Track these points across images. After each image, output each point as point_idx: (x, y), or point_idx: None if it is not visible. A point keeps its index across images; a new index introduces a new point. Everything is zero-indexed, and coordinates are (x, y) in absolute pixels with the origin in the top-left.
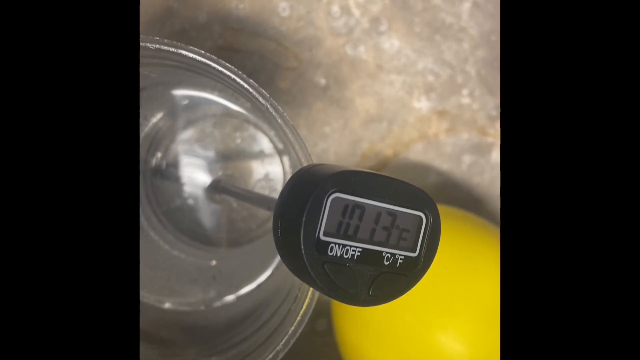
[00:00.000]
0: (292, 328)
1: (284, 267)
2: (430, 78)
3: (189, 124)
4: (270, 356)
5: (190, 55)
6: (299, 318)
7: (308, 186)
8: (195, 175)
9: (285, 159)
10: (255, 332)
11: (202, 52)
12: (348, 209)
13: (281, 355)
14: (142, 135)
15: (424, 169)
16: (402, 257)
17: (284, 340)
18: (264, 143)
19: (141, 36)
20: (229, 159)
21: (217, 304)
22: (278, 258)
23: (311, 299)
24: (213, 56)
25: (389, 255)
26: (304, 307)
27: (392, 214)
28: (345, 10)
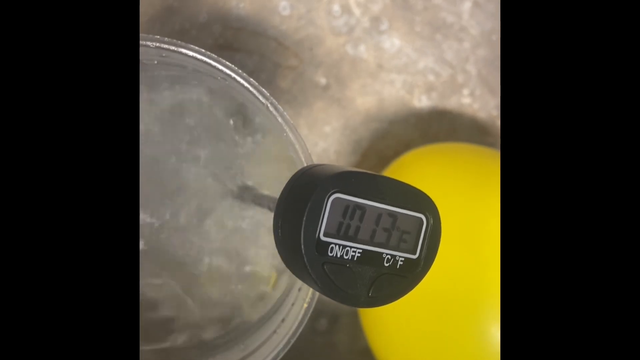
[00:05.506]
0: (292, 328)
1: (284, 267)
2: (431, 77)
3: (189, 118)
4: (271, 356)
5: (191, 54)
6: (299, 318)
7: (309, 186)
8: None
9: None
10: (255, 332)
11: (203, 50)
12: (349, 210)
13: (281, 355)
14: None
15: None
16: (403, 259)
17: (284, 340)
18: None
19: (141, 35)
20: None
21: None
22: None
23: (311, 299)
24: (213, 55)
25: (389, 257)
26: (304, 307)
27: (392, 215)
28: (346, 9)
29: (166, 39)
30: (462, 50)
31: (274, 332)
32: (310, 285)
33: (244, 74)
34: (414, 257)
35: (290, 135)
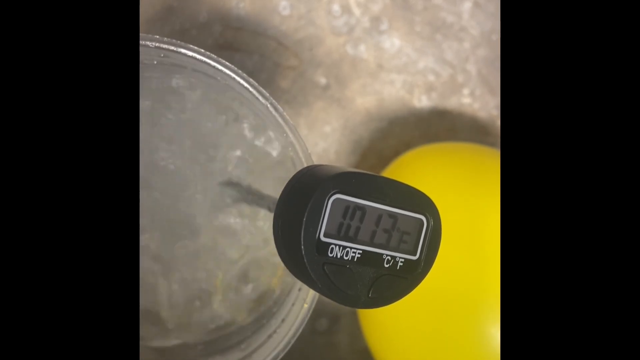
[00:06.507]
0: (293, 328)
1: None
2: (431, 77)
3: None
4: (271, 356)
5: (191, 54)
6: (299, 318)
7: (309, 187)
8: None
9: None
10: (255, 332)
11: (203, 50)
12: (349, 211)
13: (282, 355)
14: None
15: None
16: (403, 260)
17: (284, 341)
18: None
19: (141, 35)
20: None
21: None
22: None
23: (311, 300)
24: (213, 55)
25: (389, 258)
26: (304, 307)
27: (393, 216)
28: (346, 9)
29: (166, 39)
30: (462, 50)
31: (274, 332)
32: (310, 285)
33: (244, 74)
34: (414, 258)
35: (290, 135)
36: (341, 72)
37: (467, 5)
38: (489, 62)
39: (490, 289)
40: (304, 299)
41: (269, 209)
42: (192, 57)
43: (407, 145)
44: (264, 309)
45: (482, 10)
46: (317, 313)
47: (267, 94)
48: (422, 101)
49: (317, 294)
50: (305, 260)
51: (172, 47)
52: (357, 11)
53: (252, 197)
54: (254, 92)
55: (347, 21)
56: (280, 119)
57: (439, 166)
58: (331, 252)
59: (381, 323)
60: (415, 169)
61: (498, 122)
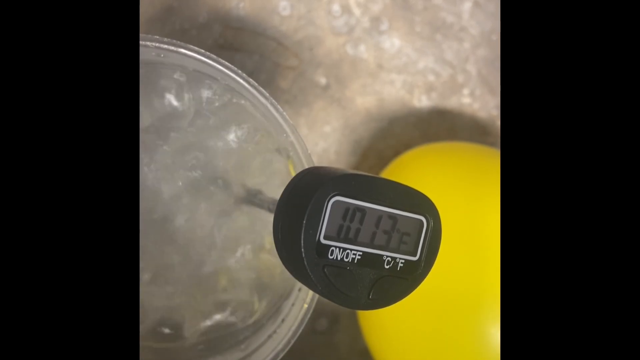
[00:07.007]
0: (292, 328)
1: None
2: (431, 77)
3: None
4: (271, 356)
5: (191, 54)
6: (299, 318)
7: (309, 189)
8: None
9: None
10: (255, 333)
11: (202, 51)
12: (349, 213)
13: (281, 355)
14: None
15: None
16: (403, 261)
17: (284, 341)
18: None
19: (141, 35)
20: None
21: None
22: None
23: (311, 300)
24: (213, 55)
25: (390, 259)
26: (304, 307)
27: (392, 217)
28: (346, 9)
29: (166, 39)
30: (462, 50)
31: (274, 332)
32: (310, 287)
33: (244, 74)
34: (415, 258)
35: (290, 135)
36: (341, 72)
37: (467, 5)
38: (489, 62)
39: (490, 289)
40: (303, 299)
41: (269, 210)
42: (192, 57)
43: (407, 145)
44: (264, 309)
45: (482, 10)
46: (317, 313)
47: (267, 94)
48: (422, 101)
49: (317, 295)
50: (306, 263)
51: (172, 48)
52: (357, 11)
53: (253, 198)
54: (254, 92)
55: (347, 21)
56: (280, 119)
57: (439, 166)
58: (331, 255)
59: (381, 323)
60: (415, 169)
61: (498, 122)
